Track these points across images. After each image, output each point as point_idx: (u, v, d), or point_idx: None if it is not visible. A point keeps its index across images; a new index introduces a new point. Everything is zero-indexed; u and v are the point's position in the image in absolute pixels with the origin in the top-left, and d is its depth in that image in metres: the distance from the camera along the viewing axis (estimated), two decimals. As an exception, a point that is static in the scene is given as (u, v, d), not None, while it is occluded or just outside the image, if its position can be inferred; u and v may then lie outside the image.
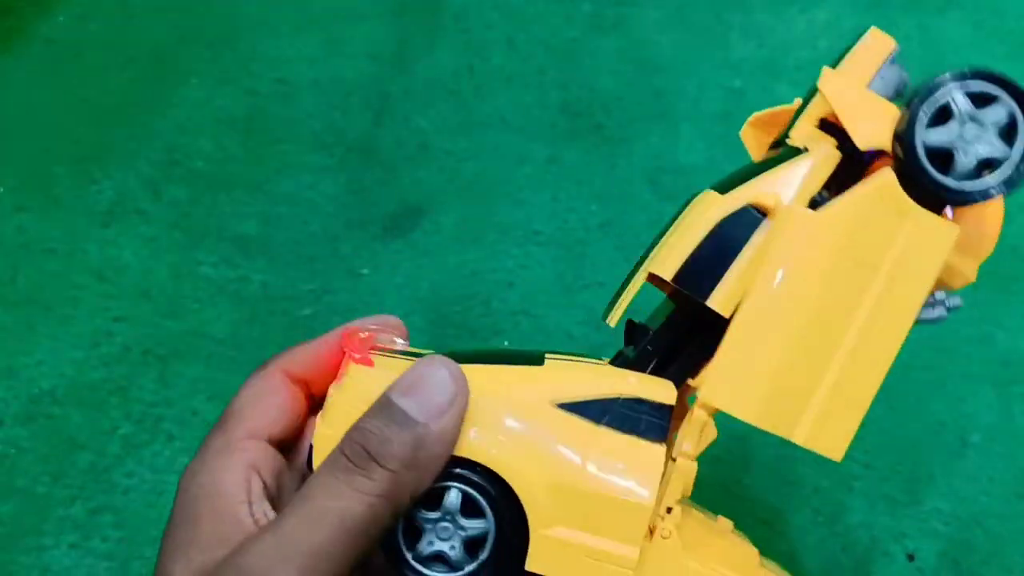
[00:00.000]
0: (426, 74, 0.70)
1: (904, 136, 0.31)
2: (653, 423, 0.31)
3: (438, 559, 0.30)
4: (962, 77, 0.31)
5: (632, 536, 0.30)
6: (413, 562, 0.30)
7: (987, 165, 0.30)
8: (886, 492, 0.50)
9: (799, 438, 0.31)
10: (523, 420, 0.30)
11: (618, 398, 0.31)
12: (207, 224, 0.64)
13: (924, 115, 0.31)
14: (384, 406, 0.27)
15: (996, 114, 0.31)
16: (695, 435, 0.32)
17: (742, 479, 0.51)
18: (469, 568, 0.30)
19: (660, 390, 0.31)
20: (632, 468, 0.30)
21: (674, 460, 0.32)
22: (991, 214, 0.32)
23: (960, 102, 0.31)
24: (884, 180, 0.31)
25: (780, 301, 0.31)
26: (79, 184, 0.65)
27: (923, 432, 0.51)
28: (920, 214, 0.31)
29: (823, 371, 0.31)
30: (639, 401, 0.31)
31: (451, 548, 0.30)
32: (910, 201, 0.31)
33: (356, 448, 0.27)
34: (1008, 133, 0.30)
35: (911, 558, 0.48)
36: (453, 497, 0.29)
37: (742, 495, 0.51)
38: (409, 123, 0.67)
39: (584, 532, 0.30)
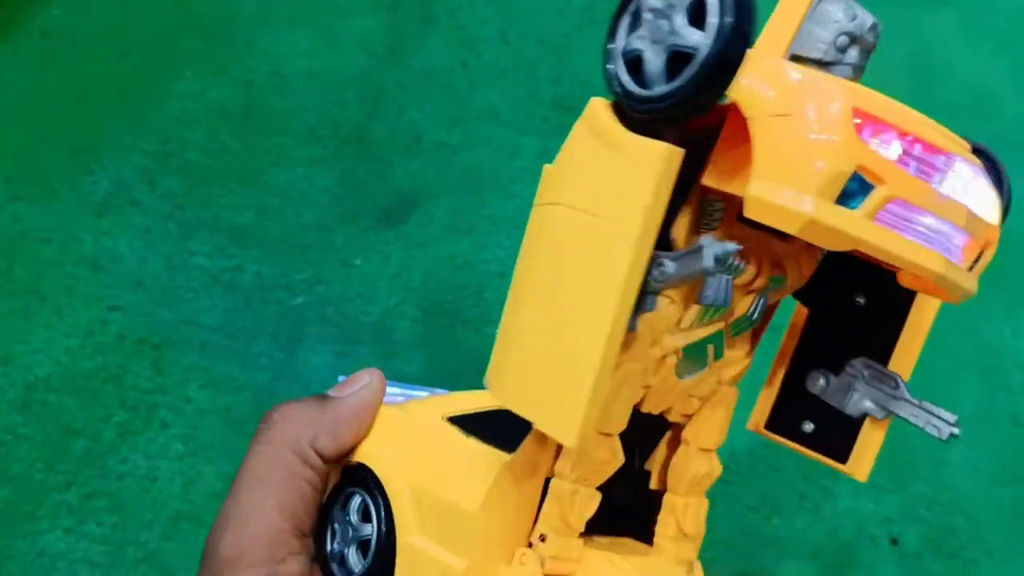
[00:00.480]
0: (420, 68, 0.70)
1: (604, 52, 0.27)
2: (518, 434, 0.28)
3: (343, 560, 0.31)
4: None
5: (463, 547, 0.28)
6: (329, 558, 0.31)
7: (683, 60, 0.25)
8: (871, 479, 0.51)
9: (536, 420, 0.27)
10: (413, 432, 0.32)
11: (499, 410, 0.28)
12: (201, 215, 0.64)
13: (621, 23, 0.27)
14: (313, 398, 0.33)
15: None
16: (566, 454, 0.28)
17: (728, 465, 0.52)
18: (357, 571, 0.31)
19: None
20: (473, 475, 0.29)
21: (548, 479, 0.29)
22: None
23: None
24: (591, 108, 0.27)
25: (519, 276, 0.27)
26: (75, 175, 0.65)
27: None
28: (632, 141, 0.25)
29: (555, 344, 0.26)
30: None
31: (348, 550, 0.31)
32: (621, 128, 0.26)
33: (262, 421, 0.32)
34: (697, 15, 0.25)
35: (895, 542, 0.49)
36: (355, 501, 0.31)
37: (728, 480, 0.51)
38: (403, 116, 0.68)
39: (431, 541, 0.29)
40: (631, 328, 0.26)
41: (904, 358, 0.32)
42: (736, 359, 0.31)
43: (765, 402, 0.33)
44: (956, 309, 0.56)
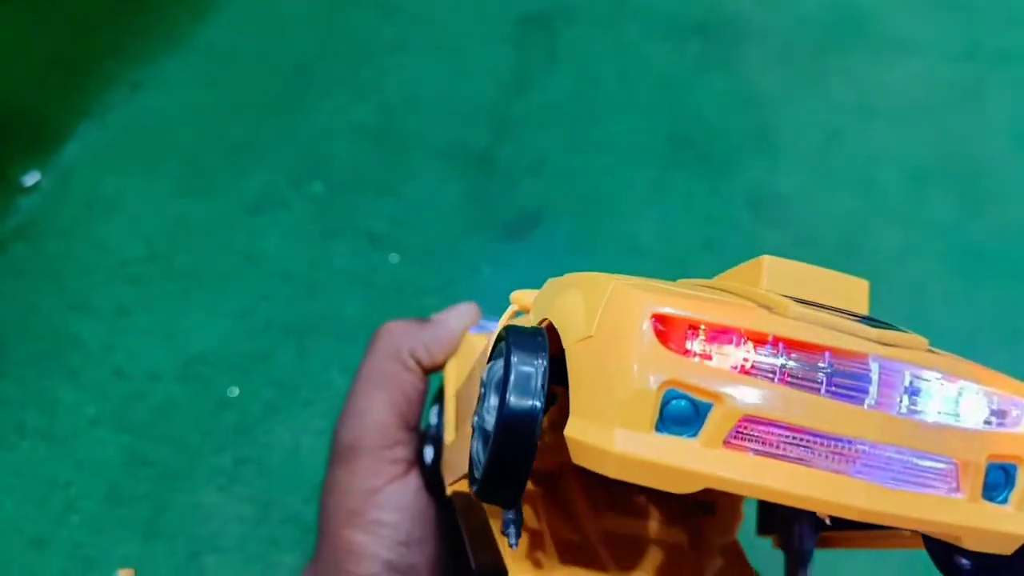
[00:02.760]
0: (543, 98, 0.77)
1: None
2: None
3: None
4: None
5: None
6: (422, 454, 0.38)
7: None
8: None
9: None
10: (473, 352, 0.35)
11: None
12: (341, 219, 0.71)
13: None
14: (416, 319, 0.40)
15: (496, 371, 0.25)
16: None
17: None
18: (428, 461, 0.37)
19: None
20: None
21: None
22: None
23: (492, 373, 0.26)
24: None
25: None
26: (232, 177, 0.72)
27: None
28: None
29: None
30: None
31: (426, 446, 0.38)
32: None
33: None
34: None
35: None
36: (436, 406, 0.39)
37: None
38: (527, 141, 0.74)
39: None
40: None
41: None
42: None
43: None
44: (1000, 317, 0.59)
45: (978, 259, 0.64)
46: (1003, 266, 0.63)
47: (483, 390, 0.25)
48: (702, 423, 0.20)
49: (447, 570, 0.38)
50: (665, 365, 0.20)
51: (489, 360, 0.25)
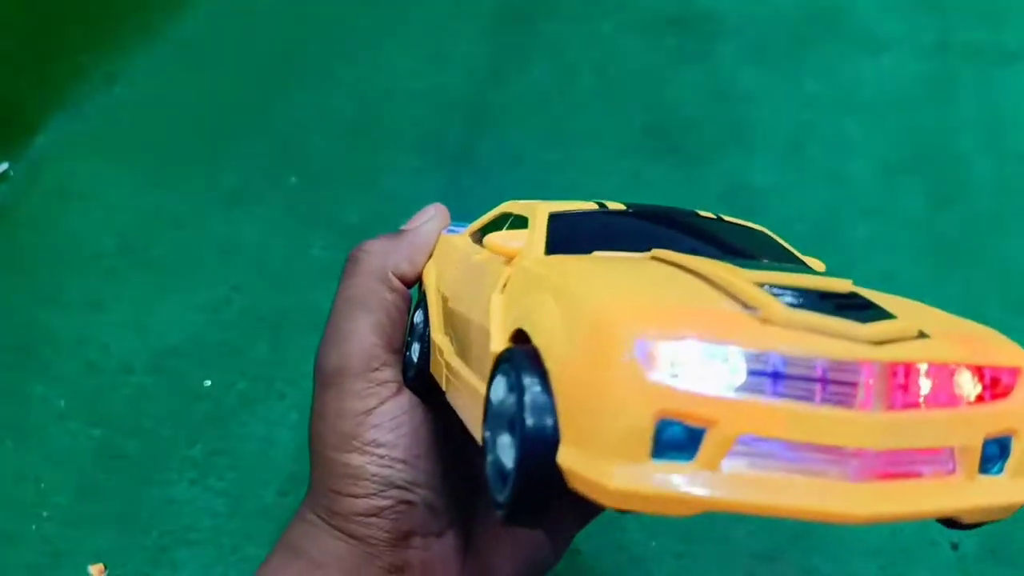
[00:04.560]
0: (520, 92, 0.77)
1: None
2: None
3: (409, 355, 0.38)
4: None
5: (470, 345, 0.32)
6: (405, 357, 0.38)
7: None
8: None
9: None
10: (453, 252, 0.38)
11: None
12: (317, 212, 0.70)
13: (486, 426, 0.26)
14: (389, 234, 0.40)
15: (509, 405, 0.24)
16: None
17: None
18: (416, 360, 0.38)
19: None
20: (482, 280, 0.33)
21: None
22: None
23: (497, 392, 0.25)
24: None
25: None
26: (207, 169, 0.72)
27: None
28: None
29: None
30: None
31: (412, 346, 0.38)
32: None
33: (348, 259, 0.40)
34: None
35: (955, 547, 0.53)
36: (419, 312, 0.38)
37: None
38: (504, 134, 0.74)
39: (447, 338, 0.35)
40: None
41: None
42: None
43: None
44: None
45: (948, 250, 0.64)
46: (972, 257, 0.64)
47: (492, 409, 0.24)
48: (698, 447, 0.20)
49: (447, 483, 0.38)
50: (656, 396, 0.20)
51: (490, 382, 0.25)
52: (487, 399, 0.25)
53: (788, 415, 0.20)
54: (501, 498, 0.23)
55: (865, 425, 0.21)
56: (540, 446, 0.21)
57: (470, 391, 0.29)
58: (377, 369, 0.36)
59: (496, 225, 0.36)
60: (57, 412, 0.60)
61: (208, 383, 0.61)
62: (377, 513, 0.35)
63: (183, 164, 0.72)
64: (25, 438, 0.58)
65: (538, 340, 0.23)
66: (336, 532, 0.36)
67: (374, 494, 0.35)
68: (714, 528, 0.55)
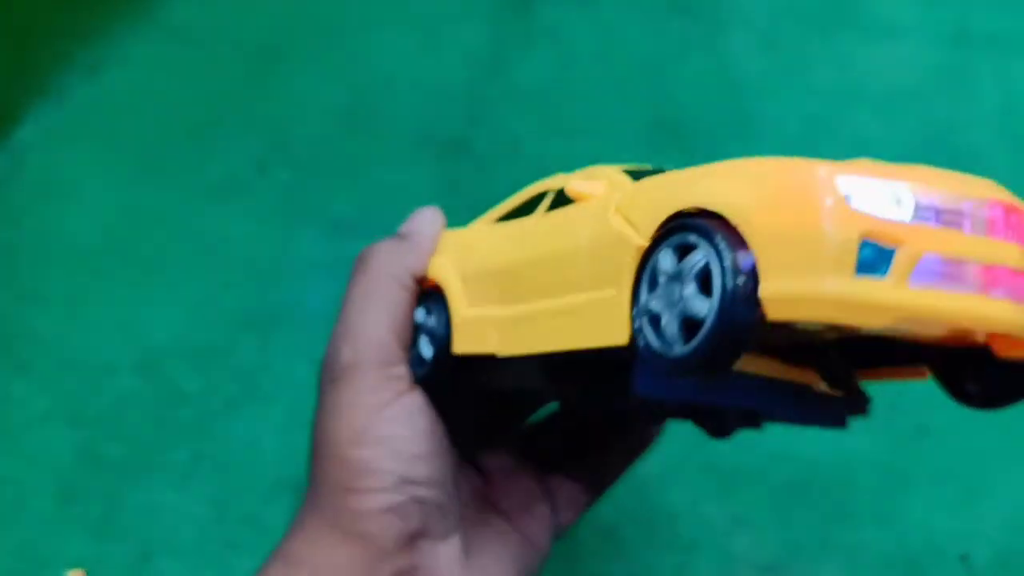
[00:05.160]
0: (519, 80, 0.74)
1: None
2: None
3: (419, 354, 0.40)
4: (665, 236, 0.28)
5: (503, 295, 0.37)
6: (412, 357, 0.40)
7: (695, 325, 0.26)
8: (944, 496, 0.52)
9: None
10: (462, 239, 0.42)
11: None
12: (307, 205, 0.68)
13: (642, 283, 0.29)
14: (394, 237, 0.42)
15: (695, 263, 0.27)
16: None
17: (804, 475, 0.54)
18: (428, 356, 0.39)
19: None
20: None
21: None
22: None
23: (665, 263, 0.28)
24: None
25: None
26: (194, 161, 0.69)
27: (983, 442, 0.54)
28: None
29: None
30: None
31: (420, 341, 0.40)
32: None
33: (358, 262, 0.41)
34: (706, 283, 0.27)
35: (964, 559, 0.51)
36: (424, 309, 0.41)
37: (804, 489, 0.53)
38: (502, 125, 0.71)
39: (478, 306, 0.38)
40: None
41: None
42: None
43: None
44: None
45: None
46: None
47: (662, 279, 0.28)
48: (889, 264, 0.24)
49: (457, 481, 0.39)
50: (858, 221, 0.24)
51: (658, 246, 0.29)
52: (647, 279, 0.29)
53: (954, 238, 0.25)
54: (685, 349, 0.26)
55: (1010, 250, 0.26)
56: (745, 281, 0.25)
57: (566, 310, 0.32)
58: (393, 364, 0.37)
59: (528, 207, 0.40)
60: (37, 413, 0.59)
61: (193, 385, 0.59)
62: (391, 509, 0.35)
63: (170, 156, 0.70)
64: (3, 440, 0.57)
65: (719, 206, 0.27)
66: (342, 537, 0.35)
67: (388, 488, 0.35)
68: (714, 538, 0.53)
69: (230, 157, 0.70)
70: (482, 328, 0.36)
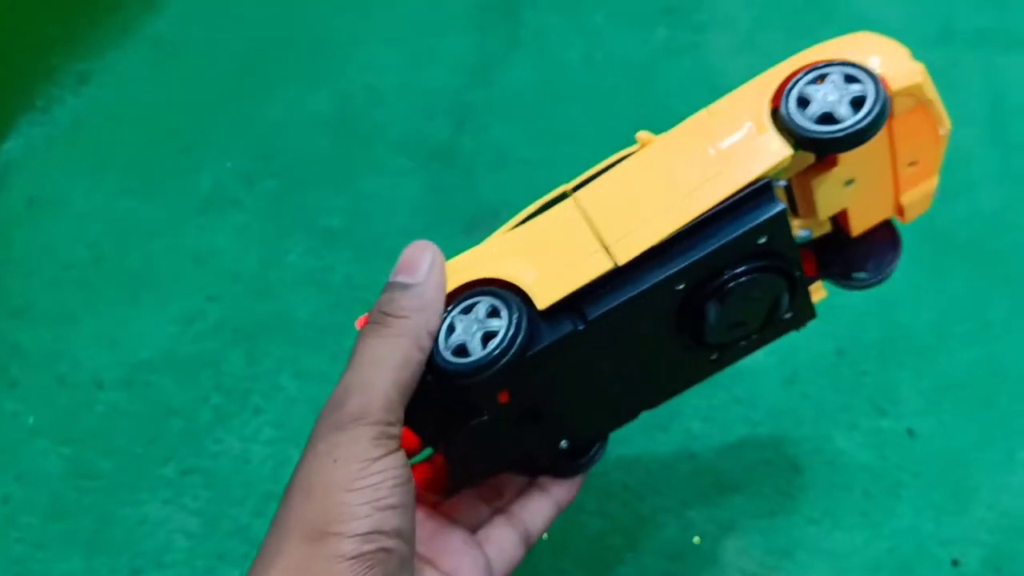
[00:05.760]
0: (505, 87, 0.74)
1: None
2: None
3: (461, 351, 0.38)
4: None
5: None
6: (443, 351, 0.38)
7: (830, 119, 0.37)
8: (933, 500, 0.52)
9: None
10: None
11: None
12: (296, 216, 0.68)
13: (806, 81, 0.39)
14: (389, 285, 0.40)
15: (856, 89, 0.37)
16: None
17: (792, 479, 0.54)
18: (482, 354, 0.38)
19: None
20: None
21: None
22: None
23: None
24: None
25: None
26: (181, 173, 0.70)
27: (972, 445, 0.53)
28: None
29: None
30: None
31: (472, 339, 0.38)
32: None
33: (377, 314, 0.39)
34: (858, 103, 0.37)
35: (955, 563, 0.50)
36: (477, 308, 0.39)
37: (792, 494, 0.53)
38: (488, 132, 0.71)
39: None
40: None
41: None
42: None
43: None
44: (1021, 340, 0.57)
45: (950, 247, 0.62)
46: (976, 254, 0.61)
47: None
48: None
49: (414, 539, 0.40)
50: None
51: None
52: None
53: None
54: (861, 123, 0.36)
55: None
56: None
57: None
58: (392, 423, 0.38)
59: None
60: (26, 429, 0.59)
61: (182, 398, 0.59)
62: (360, 555, 0.36)
63: (157, 169, 0.70)
64: (-7, 457, 0.57)
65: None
66: None
67: (360, 536, 0.36)
68: (703, 544, 0.53)
69: (217, 169, 0.70)
70: (575, 262, 0.38)
